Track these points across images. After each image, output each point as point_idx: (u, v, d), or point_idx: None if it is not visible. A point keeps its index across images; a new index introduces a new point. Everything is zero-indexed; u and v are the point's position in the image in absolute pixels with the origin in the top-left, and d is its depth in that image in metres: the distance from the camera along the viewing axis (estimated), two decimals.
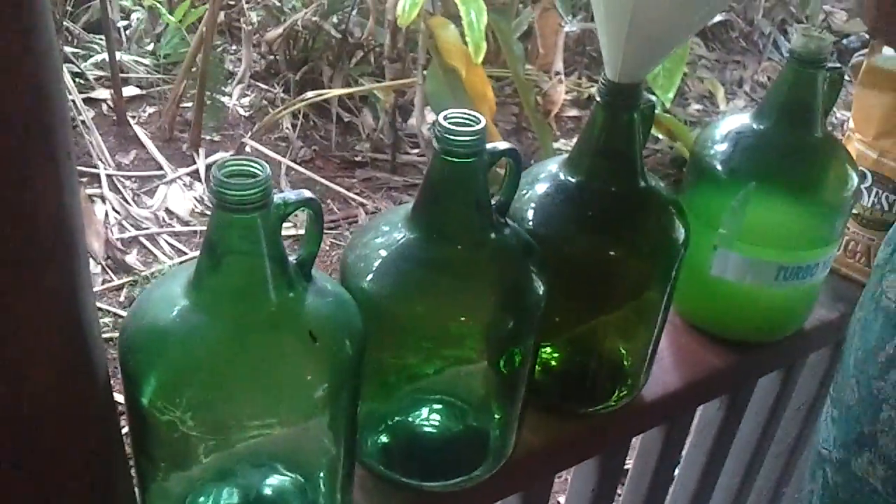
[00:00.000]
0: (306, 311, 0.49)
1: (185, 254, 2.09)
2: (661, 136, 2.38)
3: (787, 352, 0.81)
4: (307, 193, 0.48)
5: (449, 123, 0.51)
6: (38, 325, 0.39)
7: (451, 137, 0.50)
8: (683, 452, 0.89)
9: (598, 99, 0.61)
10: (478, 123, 0.51)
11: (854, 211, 0.85)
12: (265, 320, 0.47)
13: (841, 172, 0.72)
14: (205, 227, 2.20)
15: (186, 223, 2.21)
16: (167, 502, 0.52)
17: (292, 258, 0.49)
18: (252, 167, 0.45)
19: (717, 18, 3.45)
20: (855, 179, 0.73)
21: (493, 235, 0.56)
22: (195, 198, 2.28)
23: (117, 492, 0.49)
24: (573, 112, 2.84)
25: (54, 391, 0.41)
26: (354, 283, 0.55)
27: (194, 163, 2.38)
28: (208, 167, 2.39)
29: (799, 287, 0.74)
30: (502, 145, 0.54)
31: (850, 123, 0.87)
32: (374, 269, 0.55)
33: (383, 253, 0.56)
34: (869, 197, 0.84)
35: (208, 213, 2.25)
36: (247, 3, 2.59)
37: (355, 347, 0.50)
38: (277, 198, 0.46)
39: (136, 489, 0.52)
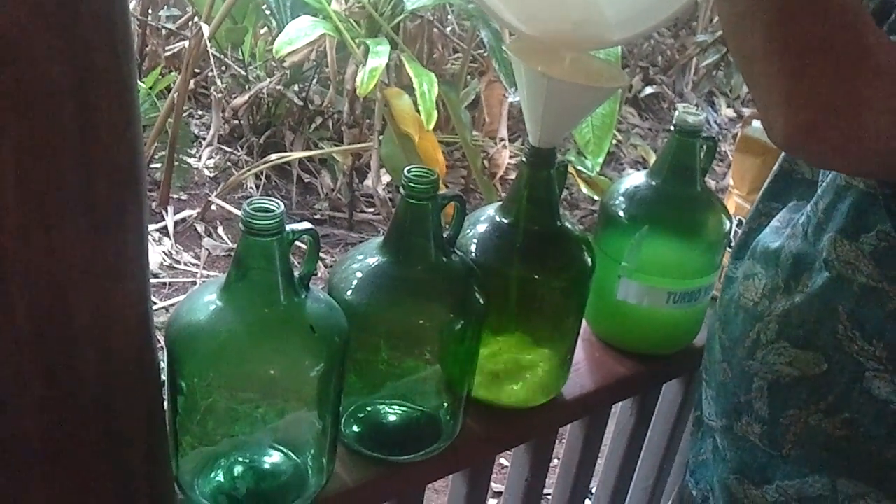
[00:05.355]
0: (307, 311, 0.66)
1: (156, 304, 2.23)
2: (596, 197, 2.61)
3: (682, 364, 1.00)
4: (308, 225, 0.66)
5: (412, 175, 0.69)
6: (126, 313, 0.56)
7: (413, 185, 0.69)
8: (605, 453, 1.07)
9: (524, 159, 0.80)
10: (432, 175, 0.70)
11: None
12: (278, 316, 0.64)
13: (715, 218, 0.92)
14: (172, 280, 2.33)
15: (156, 276, 2.35)
16: (193, 467, 0.69)
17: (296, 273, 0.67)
18: (271, 204, 0.62)
19: (650, 91, 3.74)
20: (727, 224, 0.93)
21: (444, 260, 0.74)
22: (164, 252, 2.43)
23: (163, 445, 0.65)
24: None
25: (133, 359, 0.57)
26: (338, 297, 0.72)
27: (163, 219, 2.53)
28: (176, 223, 2.55)
29: (686, 309, 0.93)
30: (451, 193, 0.73)
31: (730, 181, 1.08)
32: (353, 285, 0.73)
33: (359, 274, 0.73)
34: None
35: (176, 266, 2.39)
36: (212, 72, 2.77)
37: (342, 340, 0.67)
38: (288, 227, 0.64)
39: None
